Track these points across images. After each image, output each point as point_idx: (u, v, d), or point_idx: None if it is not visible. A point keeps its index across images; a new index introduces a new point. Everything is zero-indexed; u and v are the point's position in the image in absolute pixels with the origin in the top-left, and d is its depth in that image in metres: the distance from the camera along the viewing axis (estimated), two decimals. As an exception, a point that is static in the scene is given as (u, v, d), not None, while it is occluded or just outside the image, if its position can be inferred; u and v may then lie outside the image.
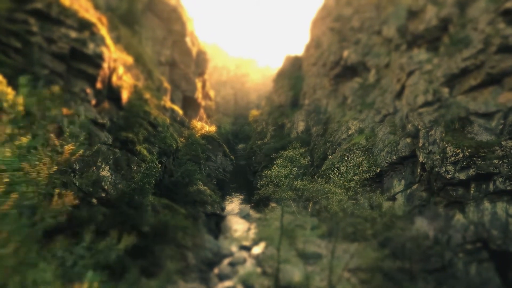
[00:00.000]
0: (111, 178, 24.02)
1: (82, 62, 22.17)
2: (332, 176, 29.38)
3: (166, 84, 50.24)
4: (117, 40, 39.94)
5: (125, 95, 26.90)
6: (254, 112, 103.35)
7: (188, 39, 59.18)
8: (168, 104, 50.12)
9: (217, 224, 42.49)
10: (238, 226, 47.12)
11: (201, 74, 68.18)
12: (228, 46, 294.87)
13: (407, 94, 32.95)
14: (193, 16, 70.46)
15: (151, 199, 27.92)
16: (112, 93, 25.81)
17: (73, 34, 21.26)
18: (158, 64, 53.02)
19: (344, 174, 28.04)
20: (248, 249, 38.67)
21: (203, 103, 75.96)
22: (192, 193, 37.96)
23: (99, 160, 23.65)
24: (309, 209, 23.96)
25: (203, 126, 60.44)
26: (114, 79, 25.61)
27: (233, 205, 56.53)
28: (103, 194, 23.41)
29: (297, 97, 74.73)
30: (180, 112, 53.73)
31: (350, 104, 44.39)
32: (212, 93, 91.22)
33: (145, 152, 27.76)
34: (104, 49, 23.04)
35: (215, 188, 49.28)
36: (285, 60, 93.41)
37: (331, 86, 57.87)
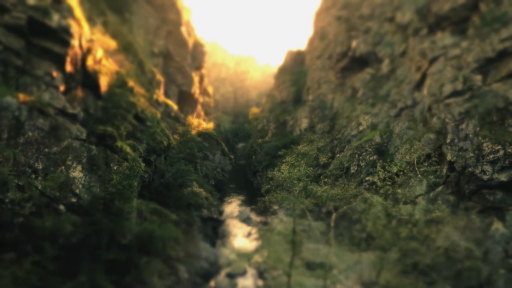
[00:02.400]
0: (84, 180, 19.96)
1: (45, 37, 18.13)
2: (375, 180, 24.33)
3: (159, 77, 46.17)
4: (103, 27, 35.91)
5: (104, 82, 22.86)
6: (255, 110, 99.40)
7: (183, 29, 55.09)
8: (162, 98, 46.04)
9: (214, 229, 38.48)
10: (237, 230, 43.33)
11: (198, 67, 64.10)
12: (227, 45, 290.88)
13: (429, 83, 28.94)
14: (191, 7, 66.42)
15: (135, 204, 23.85)
16: (87, 79, 21.77)
17: (31, 0, 17.20)
18: (150, 55, 48.95)
19: (395, 175, 22.65)
20: (249, 257, 34.95)
21: (200, 99, 71.87)
22: (186, 195, 33.95)
23: (69, 158, 19.59)
24: (332, 224, 19.65)
25: (200, 123, 56.35)
26: (90, 62, 21.57)
27: (232, 207, 52.89)
28: (73, 200, 19.36)
29: (300, 93, 70.91)
30: (175, 107, 49.65)
31: (361, 98, 40.36)
32: (210, 90, 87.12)
33: (128, 149, 23.71)
34: (72, 23, 18.98)
35: (212, 190, 45.27)
36: (286, 55, 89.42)
37: (338, 79, 53.87)
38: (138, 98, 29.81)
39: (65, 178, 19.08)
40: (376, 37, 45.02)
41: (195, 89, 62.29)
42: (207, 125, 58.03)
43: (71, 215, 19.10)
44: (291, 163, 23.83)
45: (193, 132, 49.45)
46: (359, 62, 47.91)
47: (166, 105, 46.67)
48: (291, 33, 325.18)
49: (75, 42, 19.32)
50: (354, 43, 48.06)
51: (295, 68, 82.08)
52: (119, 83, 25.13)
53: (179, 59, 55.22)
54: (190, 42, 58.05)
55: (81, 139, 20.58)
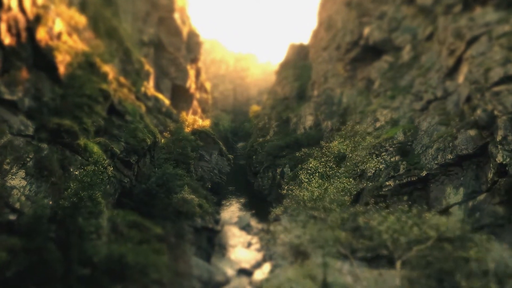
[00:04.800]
0: (28, 190, 14.88)
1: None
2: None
3: (148, 67, 41.08)
4: (81, 8, 30.86)
5: (63, 63, 17.78)
6: (255, 108, 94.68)
7: (177, 16, 49.93)
8: (151, 91, 41.03)
9: (209, 240, 33.50)
10: (236, 240, 38.55)
11: (193, 60, 59.00)
12: (227, 43, 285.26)
13: (468, 69, 23.85)
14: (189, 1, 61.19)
15: (105, 219, 18.76)
16: (39, 57, 16.73)
17: None
18: (139, 43, 43.88)
19: None
20: (249, 273, 30.29)
21: (197, 95, 66.82)
22: (175, 203, 28.93)
23: (7, 160, 14.50)
24: (398, 282, 13.87)
25: (195, 120, 51.35)
26: (42, 35, 16.52)
27: (231, 212, 48.28)
28: (11, 217, 14.31)
29: (304, 88, 66.03)
30: (167, 102, 44.65)
31: (378, 90, 35.25)
32: (208, 85, 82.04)
33: (95, 148, 18.61)
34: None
35: (208, 194, 40.38)
36: (289, 49, 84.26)
37: (347, 72, 48.77)
38: (116, 87, 24.77)
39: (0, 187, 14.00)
40: (392, 22, 39.93)
41: (191, 84, 57.23)
42: (204, 123, 53.04)
43: (7, 238, 14.05)
44: (318, 171, 16.86)
45: (187, 129, 44.46)
46: (372, 52, 42.83)
47: (156, 99, 41.65)
48: (292, 30, 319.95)
49: (11, 2, 14.26)
50: (366, 30, 42.95)
51: (298, 63, 77.08)
52: (86, 65, 20.02)
53: (172, 49, 50.12)
54: (185, 31, 52.92)
55: (26, 135, 15.51)
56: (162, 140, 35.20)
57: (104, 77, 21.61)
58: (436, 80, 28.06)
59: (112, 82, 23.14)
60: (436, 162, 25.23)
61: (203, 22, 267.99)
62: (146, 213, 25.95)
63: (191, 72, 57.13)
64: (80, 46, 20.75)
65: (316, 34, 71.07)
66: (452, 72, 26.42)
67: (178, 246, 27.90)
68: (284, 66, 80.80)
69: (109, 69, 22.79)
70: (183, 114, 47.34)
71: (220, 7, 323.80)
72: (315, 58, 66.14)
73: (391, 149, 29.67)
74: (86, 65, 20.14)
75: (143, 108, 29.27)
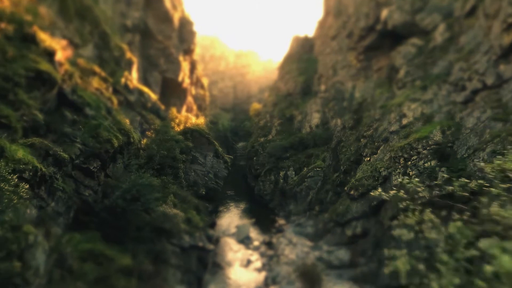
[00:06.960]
0: None
1: None
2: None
3: (131, 56, 35.14)
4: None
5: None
6: (256, 105, 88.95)
7: (166, -1, 44.00)
8: (134, 83, 35.09)
9: (200, 260, 27.50)
10: (234, 256, 32.59)
11: (187, 51, 53.02)
12: (228, 41, 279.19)
13: (538, 46, 17.86)
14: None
15: (36, 255, 12.87)
16: None
17: None
18: (122, 29, 37.95)
19: None
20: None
21: (192, 90, 60.93)
22: (155, 219, 23.04)
23: None
24: None
25: (188, 117, 45.38)
26: None
27: (228, 220, 42.34)
28: None
29: (310, 83, 60.34)
30: (153, 96, 38.73)
31: (403, 79, 29.22)
32: (205, 81, 76.16)
33: (21, 153, 12.69)
34: None
35: (200, 203, 34.37)
36: (292, 42, 78.37)
37: (360, 62, 42.86)
38: (75, 72, 18.87)
39: None
40: (416, 2, 33.97)
41: (184, 77, 51.25)
42: (197, 121, 47.07)
43: None
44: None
45: (177, 128, 38.53)
46: (391, 37, 36.89)
47: (140, 93, 35.72)
48: (294, 28, 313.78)
49: None
50: (384, 13, 36.96)
51: (303, 56, 71.26)
52: (18, 37, 14.10)
53: (162, 38, 44.16)
54: (176, 18, 46.93)
55: None
56: (144, 141, 29.33)
57: (47, 54, 15.69)
58: (484, 64, 22.07)
59: (64, 64, 17.21)
60: (491, 170, 19.43)
61: (203, 19, 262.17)
62: (113, 235, 20.06)
63: (184, 65, 51.16)
64: (12, 10, 14.88)
65: (322, 24, 65.14)
66: (509, 53, 20.46)
67: (157, 274, 21.98)
68: (287, 60, 74.95)
69: (58, 46, 16.85)
70: (173, 110, 41.41)
71: (220, 5, 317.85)
72: (321, 50, 60.25)
73: (424, 151, 23.72)
74: (18, 37, 14.24)
75: (115, 101, 23.33)
